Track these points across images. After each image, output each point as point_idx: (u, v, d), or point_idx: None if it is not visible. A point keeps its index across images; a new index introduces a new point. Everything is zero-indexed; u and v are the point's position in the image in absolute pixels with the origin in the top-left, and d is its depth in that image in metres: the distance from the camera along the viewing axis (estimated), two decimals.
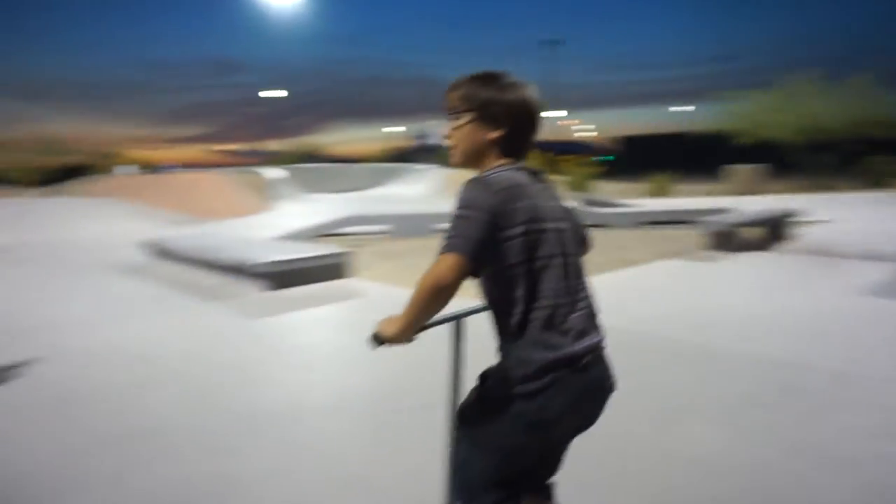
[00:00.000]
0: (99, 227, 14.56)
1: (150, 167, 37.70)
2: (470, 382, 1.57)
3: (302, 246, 7.93)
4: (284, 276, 6.70)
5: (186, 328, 5.30)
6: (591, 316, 1.42)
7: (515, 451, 1.37)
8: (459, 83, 1.40)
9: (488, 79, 1.38)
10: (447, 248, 1.28)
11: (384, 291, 6.61)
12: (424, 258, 8.67)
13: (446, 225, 1.31)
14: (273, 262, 6.59)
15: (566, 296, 1.36)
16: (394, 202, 18.82)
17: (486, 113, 1.37)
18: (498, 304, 1.37)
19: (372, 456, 2.94)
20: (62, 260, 9.78)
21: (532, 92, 1.39)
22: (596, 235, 11.28)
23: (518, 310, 1.32)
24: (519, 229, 1.30)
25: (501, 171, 1.36)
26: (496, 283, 1.35)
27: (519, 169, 1.39)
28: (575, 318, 1.35)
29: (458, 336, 1.62)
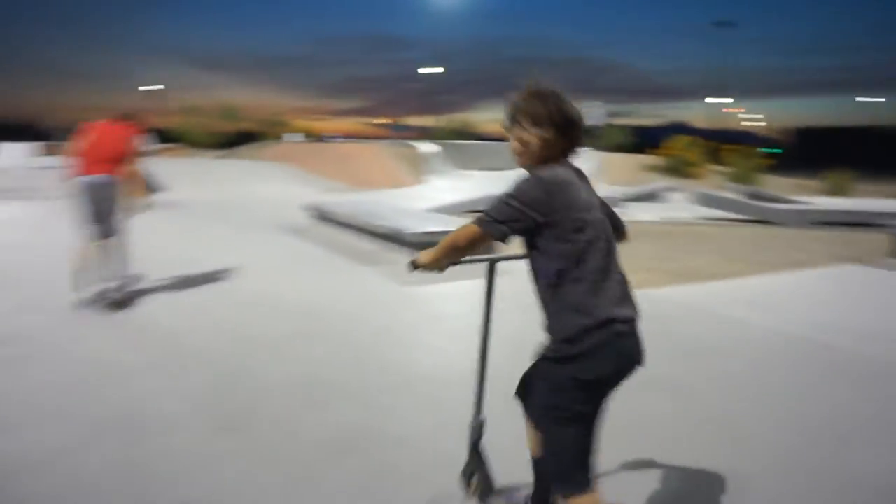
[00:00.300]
0: (267, 188, 15.83)
1: (313, 136, 40.28)
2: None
3: (454, 219, 8.06)
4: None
5: (344, 288, 5.62)
6: (626, 293, 1.66)
7: (583, 414, 1.61)
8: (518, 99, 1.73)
9: (543, 96, 1.69)
10: (474, 221, 1.67)
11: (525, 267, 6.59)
12: None
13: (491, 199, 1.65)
14: (427, 233, 6.77)
15: (604, 273, 1.60)
16: None
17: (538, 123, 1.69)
18: (547, 276, 1.64)
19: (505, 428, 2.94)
20: (236, 215, 10.78)
21: (574, 108, 1.71)
22: (762, 233, 10.53)
23: (563, 281, 1.60)
24: (561, 215, 1.57)
25: (552, 168, 1.64)
26: (544, 258, 1.63)
27: (565, 167, 1.67)
28: (611, 292, 1.60)
29: (491, 274, 2.18)
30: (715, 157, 25.26)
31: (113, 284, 4.76)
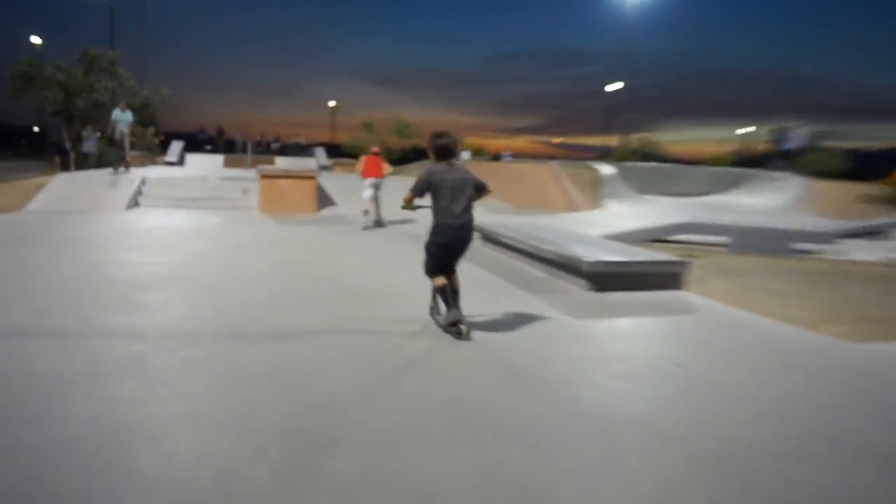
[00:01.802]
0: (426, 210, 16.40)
1: (483, 154, 41.19)
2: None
3: (634, 249, 7.88)
4: (613, 279, 6.73)
5: (512, 316, 5.66)
6: (464, 213, 4.95)
7: (436, 254, 5.04)
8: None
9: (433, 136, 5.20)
10: (410, 189, 4.87)
11: (719, 311, 6.17)
12: (769, 280, 7.86)
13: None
14: (603, 262, 6.64)
15: (456, 205, 4.91)
16: (735, 212, 17.44)
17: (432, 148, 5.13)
18: (434, 205, 4.94)
19: (680, 479, 2.76)
20: (403, 231, 11.31)
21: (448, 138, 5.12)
22: None
23: (437, 208, 4.91)
24: (434, 185, 4.90)
25: (436, 166, 4.99)
26: (432, 199, 4.90)
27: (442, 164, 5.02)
28: (457, 212, 4.90)
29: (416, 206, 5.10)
30: None
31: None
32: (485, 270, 7.87)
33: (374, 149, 13.29)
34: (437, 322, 5.30)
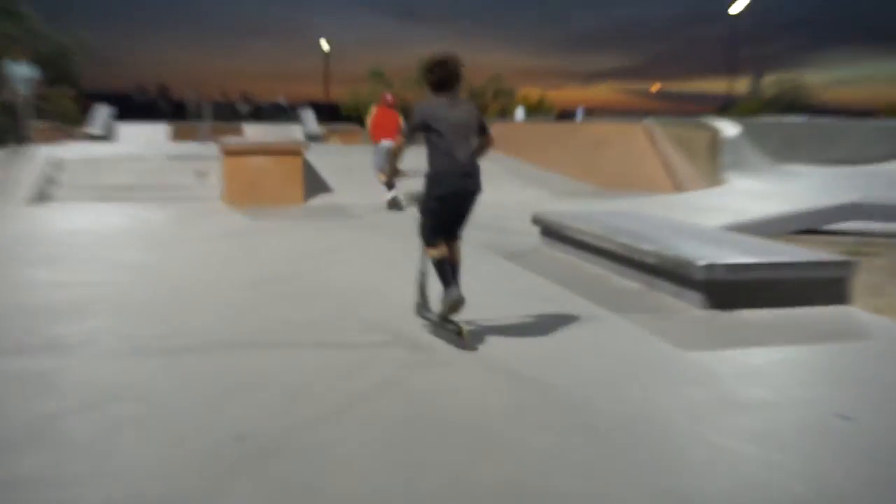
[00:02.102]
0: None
1: (543, 110, 41.15)
2: None
3: (772, 245, 7.80)
4: (741, 290, 6.68)
5: (588, 345, 5.65)
6: (472, 158, 5.58)
7: (435, 211, 5.62)
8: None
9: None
10: (400, 131, 6.02)
11: None
12: None
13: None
14: (726, 266, 6.58)
15: (460, 147, 5.48)
16: None
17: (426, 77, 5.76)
18: (430, 149, 5.53)
19: None
20: None
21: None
22: None
23: (437, 151, 5.50)
24: (432, 121, 5.48)
25: (434, 99, 5.64)
26: (427, 140, 5.52)
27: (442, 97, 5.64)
28: (461, 156, 5.48)
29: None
30: None
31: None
32: (548, 280, 7.87)
33: (388, 97, 13.93)
34: (429, 319, 5.86)
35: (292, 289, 7.44)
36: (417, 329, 5.95)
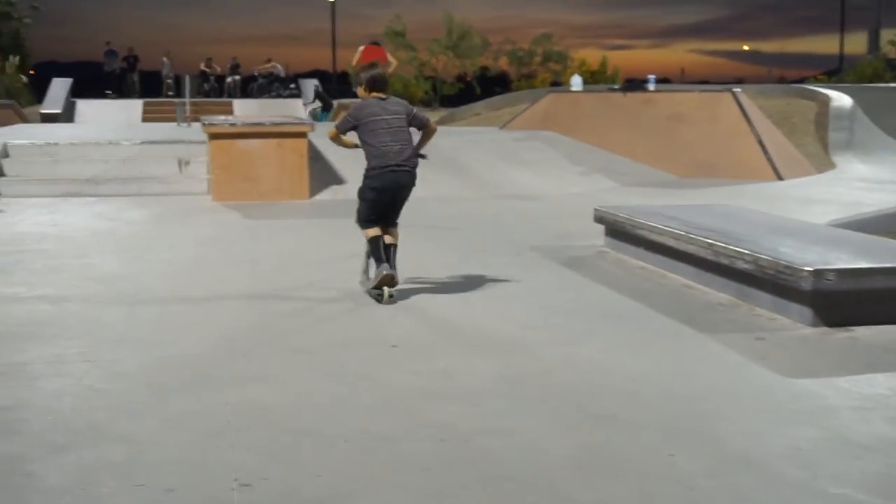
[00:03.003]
0: (527, 180, 16.54)
1: (602, 78, 41.00)
2: None
3: (894, 247, 7.78)
4: (856, 302, 6.66)
5: (666, 374, 5.67)
6: (403, 152, 7.44)
7: (372, 199, 7.60)
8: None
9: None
10: (335, 125, 8.40)
11: None
12: None
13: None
14: (837, 273, 6.57)
15: (393, 144, 7.40)
16: None
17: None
18: (364, 145, 7.55)
19: None
20: (469, 228, 11.43)
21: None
22: None
23: (371, 148, 7.45)
24: (366, 119, 7.52)
25: (366, 98, 7.78)
26: (362, 138, 7.55)
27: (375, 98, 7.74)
28: (394, 152, 7.39)
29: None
30: None
31: None
32: (616, 292, 7.95)
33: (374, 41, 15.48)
34: (366, 290, 7.81)
35: (300, 306, 7.57)
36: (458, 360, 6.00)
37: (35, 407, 5.03)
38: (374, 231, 7.49)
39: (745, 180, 16.93)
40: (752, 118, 19.18)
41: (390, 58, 16.18)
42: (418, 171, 7.60)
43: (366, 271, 7.86)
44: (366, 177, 7.51)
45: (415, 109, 7.77)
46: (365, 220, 7.57)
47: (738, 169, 17.78)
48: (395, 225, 7.79)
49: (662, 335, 6.60)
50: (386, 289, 7.40)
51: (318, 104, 30.78)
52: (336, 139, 7.85)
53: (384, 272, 7.31)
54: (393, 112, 7.48)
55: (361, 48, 16.50)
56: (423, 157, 7.78)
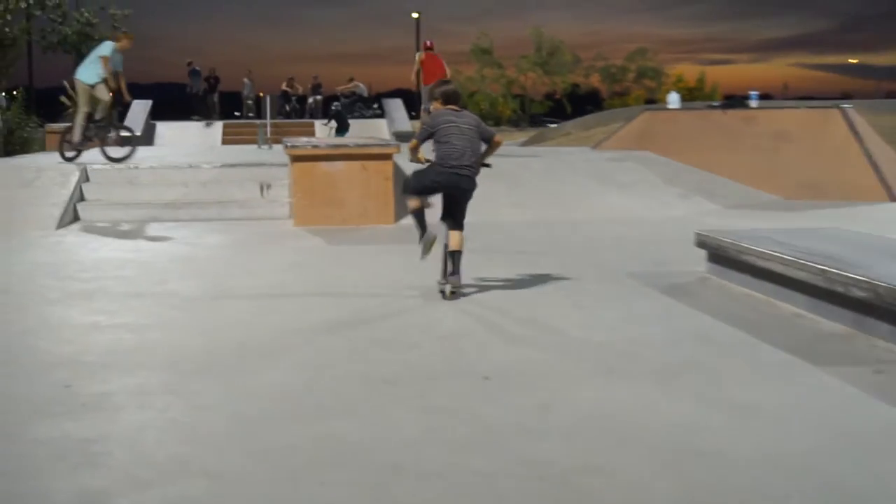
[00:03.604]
0: (622, 203, 16.51)
1: (701, 94, 40.66)
2: None
3: None
4: None
5: (778, 412, 5.57)
6: (466, 156, 8.86)
7: (432, 179, 9.11)
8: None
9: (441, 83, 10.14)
10: (415, 136, 10.11)
11: None
12: None
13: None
14: None
15: (460, 147, 8.85)
16: None
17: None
18: (436, 145, 9.01)
19: None
20: (559, 252, 11.45)
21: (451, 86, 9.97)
22: None
23: (442, 146, 8.93)
24: (442, 126, 9.05)
25: (440, 109, 9.45)
26: (436, 141, 9.01)
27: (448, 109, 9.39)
28: (459, 154, 8.83)
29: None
30: None
31: None
32: (721, 321, 7.86)
33: (427, 42, 16.61)
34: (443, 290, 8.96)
35: (387, 336, 7.57)
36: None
37: (118, 440, 5.11)
38: (416, 202, 8.97)
39: (855, 202, 16.71)
40: (863, 135, 18.91)
41: (446, 65, 18.09)
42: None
43: (423, 240, 9.08)
44: (434, 165, 8.95)
45: (483, 124, 9.24)
46: (413, 191, 9.08)
47: (847, 190, 17.54)
48: (461, 227, 9.00)
49: (771, 368, 6.51)
50: (448, 287, 8.77)
51: (333, 124, 30.94)
52: (414, 150, 9.24)
53: (428, 237, 8.94)
54: (465, 122, 8.93)
55: (421, 55, 17.87)
56: (487, 165, 9.31)
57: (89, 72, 16.69)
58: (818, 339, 7.22)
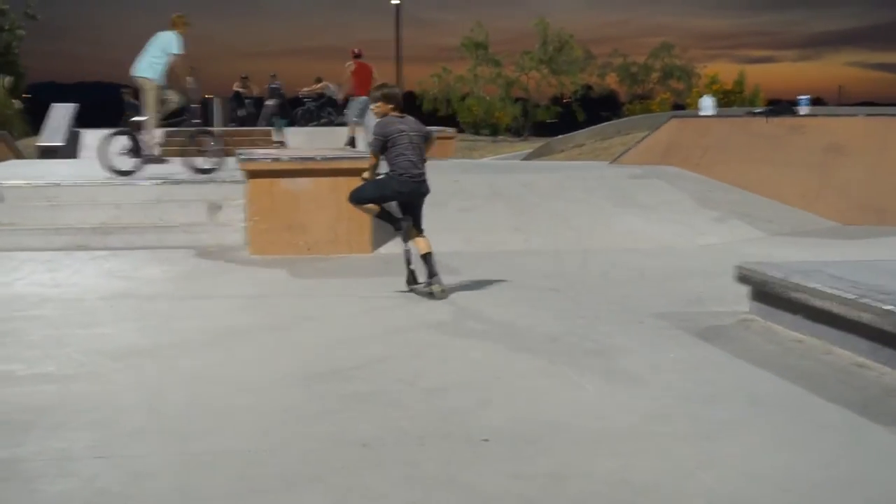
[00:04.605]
0: (646, 228, 16.54)
1: (738, 99, 40.79)
2: None
3: None
4: None
5: (841, 483, 5.55)
6: (421, 165, 11.58)
7: (393, 189, 11.62)
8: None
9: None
10: (370, 150, 12.39)
11: None
12: None
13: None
14: None
15: (413, 157, 11.42)
16: None
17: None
18: (392, 157, 11.47)
19: None
20: (571, 287, 11.44)
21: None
22: None
23: (399, 158, 11.39)
24: (394, 135, 11.57)
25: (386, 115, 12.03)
26: (389, 151, 11.47)
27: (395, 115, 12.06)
28: (414, 164, 11.41)
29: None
30: None
31: None
32: (768, 373, 7.87)
33: (356, 50, 18.79)
34: (415, 290, 11.15)
35: (363, 389, 7.51)
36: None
37: None
38: (377, 208, 11.24)
39: None
40: None
41: (375, 73, 21.28)
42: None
43: (408, 267, 11.19)
44: (392, 176, 10.99)
45: (424, 126, 11.58)
46: (367, 200, 11.22)
47: None
48: (421, 230, 11.24)
49: (829, 429, 6.49)
50: (436, 287, 10.79)
51: (275, 102, 31.05)
52: (374, 168, 11.32)
53: (404, 227, 11.23)
54: (413, 130, 11.10)
55: (351, 65, 21.40)
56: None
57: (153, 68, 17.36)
58: (885, 393, 7.21)
